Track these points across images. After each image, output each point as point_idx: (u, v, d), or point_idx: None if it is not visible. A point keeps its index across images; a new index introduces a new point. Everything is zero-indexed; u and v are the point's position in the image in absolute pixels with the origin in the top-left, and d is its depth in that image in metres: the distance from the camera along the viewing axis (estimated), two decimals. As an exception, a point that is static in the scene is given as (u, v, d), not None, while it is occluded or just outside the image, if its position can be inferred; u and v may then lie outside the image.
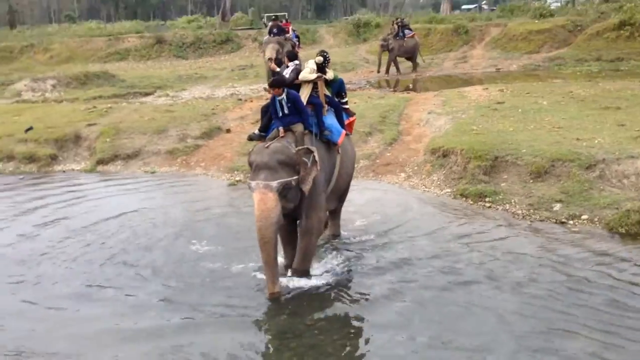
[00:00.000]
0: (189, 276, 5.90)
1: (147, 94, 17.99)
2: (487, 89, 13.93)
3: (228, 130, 11.71)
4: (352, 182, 8.71)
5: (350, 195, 6.96)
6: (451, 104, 12.30)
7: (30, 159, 10.72)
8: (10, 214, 8.10)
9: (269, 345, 4.81)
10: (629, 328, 4.67)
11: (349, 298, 5.46)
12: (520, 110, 11.03)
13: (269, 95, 5.94)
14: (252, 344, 4.76)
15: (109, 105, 14.26)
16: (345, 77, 19.30)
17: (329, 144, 5.95)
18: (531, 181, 7.88)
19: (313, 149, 5.50)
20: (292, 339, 4.79)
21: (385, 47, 19.99)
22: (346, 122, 6.44)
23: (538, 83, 15.59)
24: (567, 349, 4.46)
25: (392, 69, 20.34)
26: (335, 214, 6.78)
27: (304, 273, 5.71)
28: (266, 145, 5.42)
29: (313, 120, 5.84)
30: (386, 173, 9.18)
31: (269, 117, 5.95)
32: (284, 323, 5.05)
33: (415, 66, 20.96)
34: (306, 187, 5.40)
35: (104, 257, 6.44)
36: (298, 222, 5.76)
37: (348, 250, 6.45)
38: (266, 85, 6.67)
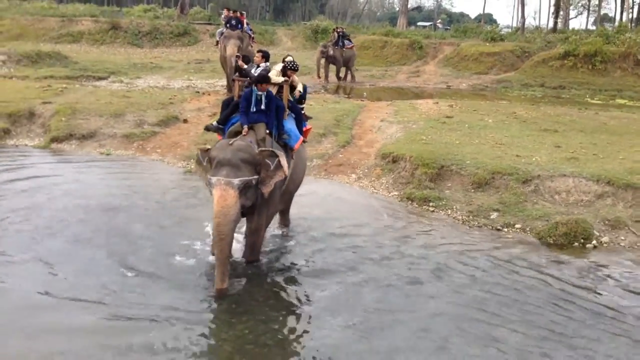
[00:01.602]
0: (136, 258, 6.06)
1: (100, 78, 17.81)
2: (437, 103, 14.57)
3: (185, 121, 11.87)
4: (305, 179, 9.10)
5: (301, 191, 7.24)
6: (403, 114, 12.85)
7: (-18, 131, 10.63)
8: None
9: (222, 318, 5.09)
10: (548, 321, 5.21)
11: (296, 283, 5.80)
12: (467, 125, 11.66)
13: (224, 90, 6.07)
14: (206, 318, 5.06)
15: (64, 85, 14.15)
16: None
17: (286, 148, 6.03)
18: (472, 190, 8.43)
19: (280, 153, 5.55)
20: (243, 314, 5.10)
21: (324, 54, 20.28)
22: (304, 129, 6.64)
23: (485, 102, 16.35)
24: (494, 337, 4.94)
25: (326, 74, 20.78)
26: (284, 210, 6.99)
27: (255, 261, 5.95)
28: (230, 142, 5.45)
29: (273, 122, 5.94)
30: (338, 173, 9.58)
31: (231, 111, 6.09)
32: (235, 300, 5.32)
33: (353, 76, 21.33)
34: (266, 189, 5.49)
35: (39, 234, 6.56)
36: (247, 217, 5.82)
37: (296, 241, 6.79)
38: (235, 76, 6.70)
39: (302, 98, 6.68)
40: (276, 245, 6.61)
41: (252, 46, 15.37)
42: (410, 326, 5.07)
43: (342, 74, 21.02)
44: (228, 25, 15.45)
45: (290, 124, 6.25)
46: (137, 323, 4.87)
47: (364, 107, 13.95)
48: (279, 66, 6.38)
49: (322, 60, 20.59)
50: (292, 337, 4.93)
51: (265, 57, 6.55)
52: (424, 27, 57.94)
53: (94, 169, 9.31)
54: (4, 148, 10.28)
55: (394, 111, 13.27)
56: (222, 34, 15.59)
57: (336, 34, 21.14)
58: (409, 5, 48.99)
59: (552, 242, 7.12)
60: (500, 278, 6.08)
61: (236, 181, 5.20)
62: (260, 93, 5.78)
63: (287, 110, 6.27)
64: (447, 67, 25.36)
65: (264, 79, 5.83)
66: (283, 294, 5.60)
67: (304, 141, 6.56)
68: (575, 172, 8.39)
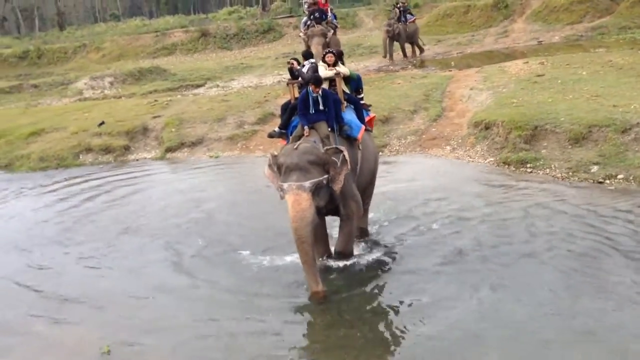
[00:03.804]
0: (237, 251, 6.62)
1: (198, 86, 18.84)
2: (527, 62, 14.29)
3: (281, 115, 12.50)
4: (401, 157, 9.44)
5: (400, 166, 7.56)
6: (492, 79, 12.76)
7: (107, 150, 11.84)
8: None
9: (328, 319, 5.29)
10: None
11: (398, 269, 5.99)
12: (559, 81, 11.45)
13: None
14: (314, 313, 5.38)
15: (169, 98, 15.25)
16: (387, 59, 20.04)
17: (350, 140, 5.99)
18: (570, 147, 8.43)
19: (342, 148, 5.55)
20: (348, 301, 5.45)
21: (390, 32, 19.65)
22: (367, 118, 6.55)
23: (579, 54, 15.76)
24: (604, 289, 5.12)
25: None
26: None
27: (349, 254, 6.03)
28: (295, 147, 5.44)
29: (333, 118, 5.88)
30: (432, 147, 9.84)
31: (290, 114, 6.18)
32: (342, 297, 5.54)
33: (420, 49, 20.77)
34: (337, 186, 5.49)
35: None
36: (339, 211, 5.85)
37: (397, 221, 7.09)
38: (289, 79, 6.55)
39: (358, 87, 6.70)
40: (373, 231, 6.85)
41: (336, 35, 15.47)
42: (516, 292, 5.29)
43: (408, 51, 20.59)
44: (312, 17, 15.34)
45: (349, 115, 6.21)
46: (248, 323, 5.23)
47: (452, 78, 13.96)
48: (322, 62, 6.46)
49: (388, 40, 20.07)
50: (397, 327, 5.03)
51: (305, 56, 6.75)
52: (509, -18, 55.54)
53: (205, 171, 10.22)
54: (127, 163, 11.43)
55: (482, 78, 13.20)
56: (305, 24, 15.57)
57: (397, 10, 20.64)
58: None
59: (658, 188, 7.08)
60: (600, 230, 6.20)
61: (307, 184, 5.28)
62: (315, 95, 5.79)
63: (345, 102, 6.28)
64: (537, 22, 24.45)
65: (317, 80, 5.80)
66: (385, 284, 5.76)
67: (367, 129, 6.47)
68: (678, 114, 8.18)
